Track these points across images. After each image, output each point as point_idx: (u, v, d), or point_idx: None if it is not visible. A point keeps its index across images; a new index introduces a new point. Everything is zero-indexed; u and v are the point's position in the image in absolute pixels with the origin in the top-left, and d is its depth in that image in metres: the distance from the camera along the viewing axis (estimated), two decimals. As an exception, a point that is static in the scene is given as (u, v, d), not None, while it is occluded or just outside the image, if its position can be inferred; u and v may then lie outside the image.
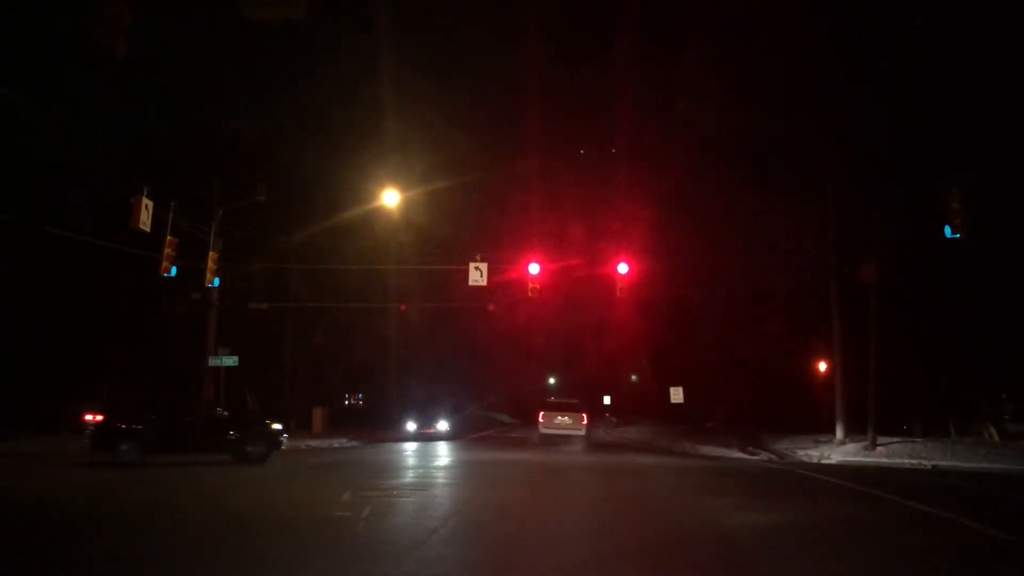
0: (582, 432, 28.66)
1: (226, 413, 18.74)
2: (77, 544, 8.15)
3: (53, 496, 11.94)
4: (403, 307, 35.53)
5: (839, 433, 26.56)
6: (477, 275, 21.87)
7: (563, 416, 29.26)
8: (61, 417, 26.12)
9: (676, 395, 32.59)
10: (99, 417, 16.47)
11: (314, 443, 25.65)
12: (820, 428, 29.45)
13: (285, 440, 19.41)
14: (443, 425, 34.16)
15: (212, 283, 22.90)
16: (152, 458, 16.54)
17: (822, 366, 33.86)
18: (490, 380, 62.57)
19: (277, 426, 19.25)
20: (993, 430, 27.04)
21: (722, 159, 31.89)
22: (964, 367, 28.94)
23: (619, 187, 37.77)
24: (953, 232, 16.27)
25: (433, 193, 29.88)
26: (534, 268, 22.11)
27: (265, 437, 18.36)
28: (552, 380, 76.45)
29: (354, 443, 26.90)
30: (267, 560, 7.42)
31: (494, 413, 62.55)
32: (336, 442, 26.67)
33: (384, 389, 43.06)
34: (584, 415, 29.54)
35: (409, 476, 15.96)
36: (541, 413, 29.92)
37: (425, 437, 32.21)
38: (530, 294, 22.37)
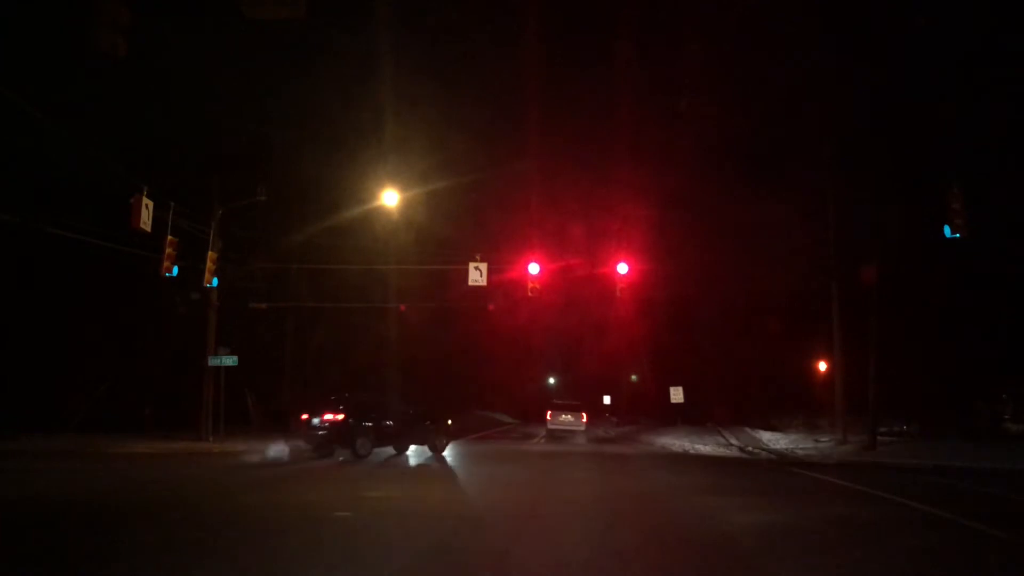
0: (582, 428, 34.67)
1: (411, 411, 22.09)
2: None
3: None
4: (403, 307, 35.50)
5: (839, 432, 26.56)
6: (477, 275, 21.86)
7: (567, 415, 34.86)
8: (60, 416, 26.15)
9: (676, 395, 32.64)
10: (339, 416, 19.78)
11: (314, 443, 25.59)
12: (820, 427, 29.45)
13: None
14: (443, 425, 34.06)
15: (211, 283, 22.89)
16: (375, 450, 19.83)
17: (822, 366, 33.89)
18: (490, 380, 62.58)
19: (449, 421, 22.84)
20: (993, 430, 27.05)
21: (722, 159, 31.92)
22: (964, 367, 28.94)
23: (619, 187, 37.73)
24: (953, 232, 16.25)
25: (433, 193, 29.86)
26: (534, 268, 22.09)
27: (447, 431, 22.26)
28: (552, 380, 76.49)
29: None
30: (266, 559, 7.42)
31: (494, 413, 62.54)
32: (336, 442, 26.57)
33: (384, 389, 43.03)
34: (584, 414, 35.24)
35: (409, 476, 15.97)
36: (549, 412, 35.40)
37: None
38: (530, 294, 22.35)
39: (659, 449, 28.76)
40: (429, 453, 21.09)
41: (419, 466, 18.30)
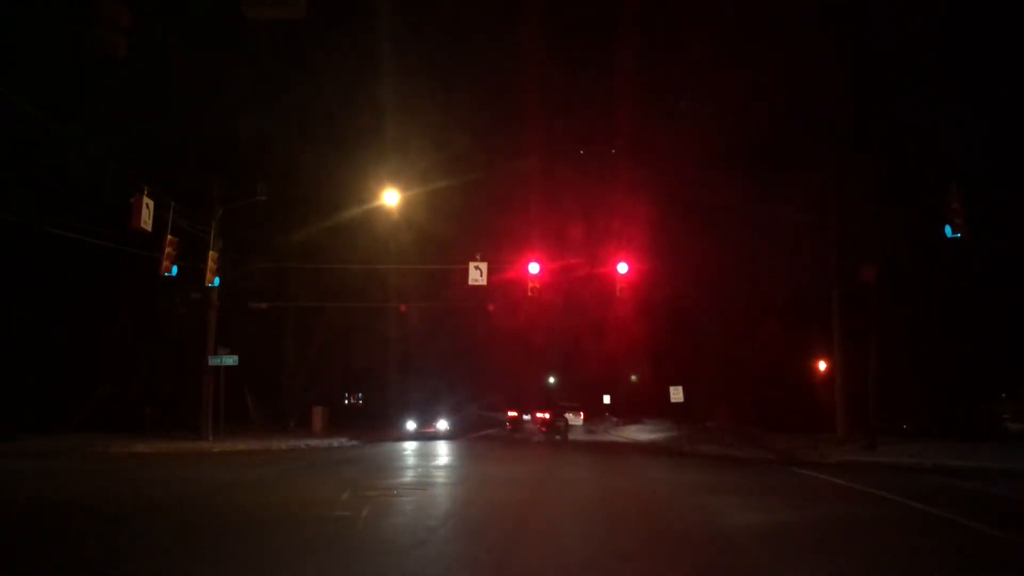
0: (580, 422, 46.68)
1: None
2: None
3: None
4: (403, 307, 35.51)
5: (839, 432, 26.53)
6: (477, 275, 21.85)
7: (569, 413, 43.38)
8: (61, 416, 26.15)
9: (676, 394, 32.54)
10: (548, 415, 35.08)
11: (314, 442, 25.66)
12: (820, 427, 29.42)
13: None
14: (443, 424, 34.20)
15: (212, 283, 22.88)
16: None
17: (822, 366, 33.86)
18: (490, 380, 62.63)
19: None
20: (993, 429, 27.01)
21: (722, 159, 31.85)
22: (964, 366, 28.91)
23: (619, 187, 37.72)
24: (953, 232, 16.23)
25: (433, 193, 29.84)
26: (534, 268, 22.07)
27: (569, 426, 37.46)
28: (552, 380, 76.56)
29: (354, 442, 26.91)
30: (267, 559, 7.42)
31: (494, 412, 62.59)
32: (336, 441, 26.69)
33: (384, 389, 43.07)
34: (582, 412, 49.35)
35: (409, 475, 15.98)
36: (537, 412, 48.48)
37: (425, 436, 32.25)
38: (530, 294, 22.32)
39: (659, 449, 28.77)
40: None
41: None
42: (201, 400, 24.31)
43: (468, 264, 22.05)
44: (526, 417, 38.39)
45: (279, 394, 33.82)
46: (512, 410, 40.81)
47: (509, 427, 39.34)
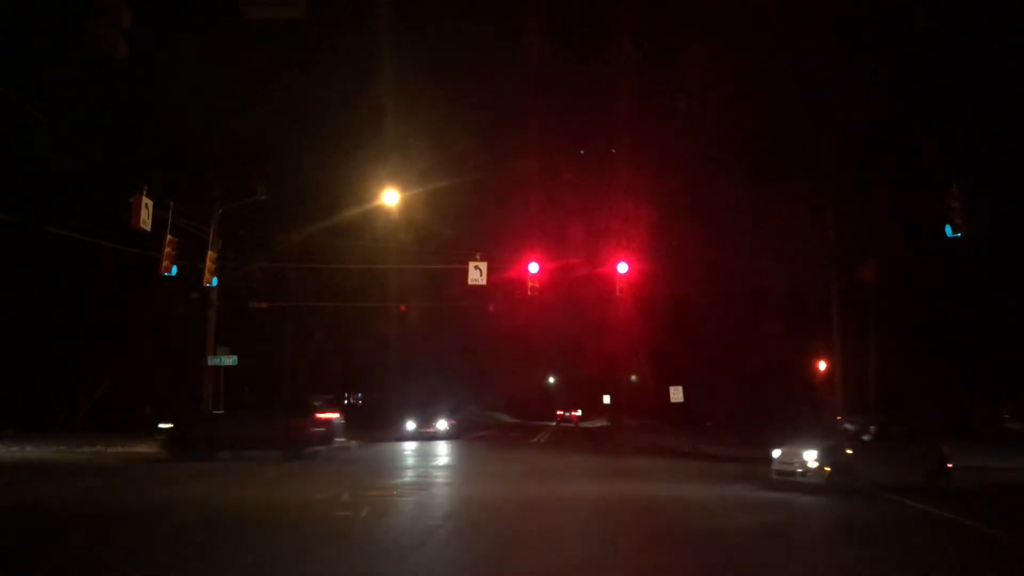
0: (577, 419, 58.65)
1: None
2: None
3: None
4: (403, 307, 35.51)
5: (839, 432, 26.52)
6: (477, 274, 21.83)
7: (573, 412, 61.94)
8: (60, 417, 26.16)
9: (676, 394, 32.47)
10: (577, 413, 64.06)
11: (314, 443, 25.60)
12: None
13: None
14: (443, 425, 34.19)
15: (211, 283, 22.84)
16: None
17: (822, 365, 33.88)
18: (490, 380, 62.70)
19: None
20: (993, 428, 27.01)
21: (722, 159, 31.87)
22: (964, 367, 28.93)
23: (619, 187, 37.72)
24: (953, 232, 16.22)
25: (433, 193, 29.82)
26: (534, 267, 22.06)
27: None
28: (552, 380, 76.64)
29: (354, 442, 26.88)
30: (266, 560, 7.42)
31: (494, 413, 62.66)
32: (336, 441, 26.63)
33: (384, 389, 43.09)
34: (579, 412, 64.08)
35: (409, 475, 15.98)
36: (559, 411, 64.29)
37: (425, 437, 32.23)
38: (530, 293, 22.31)
39: (659, 449, 28.76)
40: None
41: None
42: (201, 400, 24.29)
43: (468, 264, 22.03)
44: (568, 415, 62.10)
45: (279, 394, 33.80)
46: (560, 411, 64.54)
47: (559, 419, 61.21)
